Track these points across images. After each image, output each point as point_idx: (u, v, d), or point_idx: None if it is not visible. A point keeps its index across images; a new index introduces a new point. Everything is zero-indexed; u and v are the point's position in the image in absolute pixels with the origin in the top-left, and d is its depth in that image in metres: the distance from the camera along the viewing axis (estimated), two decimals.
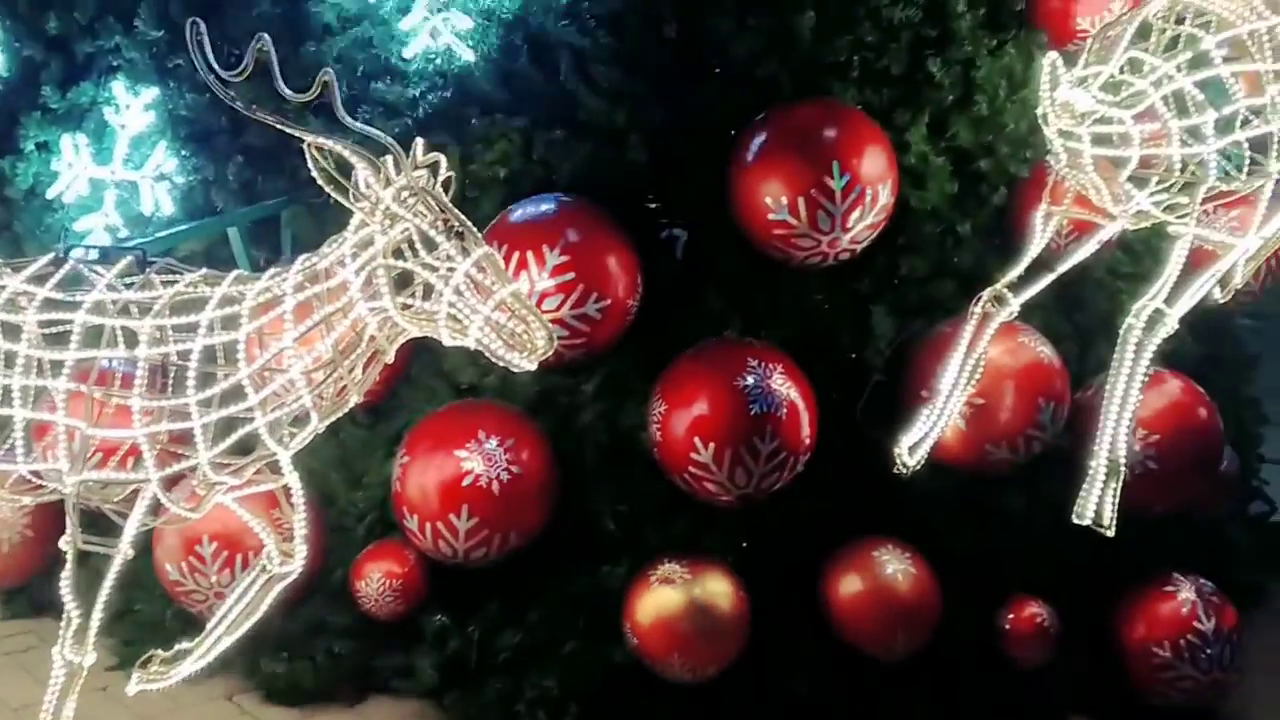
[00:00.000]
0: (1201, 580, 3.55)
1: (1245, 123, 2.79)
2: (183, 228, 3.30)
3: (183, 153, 3.54)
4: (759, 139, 3.11)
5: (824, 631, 3.29)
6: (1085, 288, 3.65)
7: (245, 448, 2.48)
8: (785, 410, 3.02)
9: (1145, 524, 3.70)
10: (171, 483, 2.48)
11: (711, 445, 3.00)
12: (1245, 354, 4.84)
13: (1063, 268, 3.12)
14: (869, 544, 3.27)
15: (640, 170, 3.30)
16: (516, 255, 2.97)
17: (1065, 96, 2.74)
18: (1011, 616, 3.43)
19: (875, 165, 3.09)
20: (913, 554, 3.28)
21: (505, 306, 2.36)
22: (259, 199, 3.55)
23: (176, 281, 2.54)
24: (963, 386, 3.13)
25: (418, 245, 2.36)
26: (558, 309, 2.97)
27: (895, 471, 3.19)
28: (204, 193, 3.56)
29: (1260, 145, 2.85)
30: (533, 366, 2.42)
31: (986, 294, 3.09)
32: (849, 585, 3.24)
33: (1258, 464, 5.12)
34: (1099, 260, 3.58)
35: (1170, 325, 2.88)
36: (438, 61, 3.33)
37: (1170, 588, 3.52)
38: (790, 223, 3.05)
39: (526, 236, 3.00)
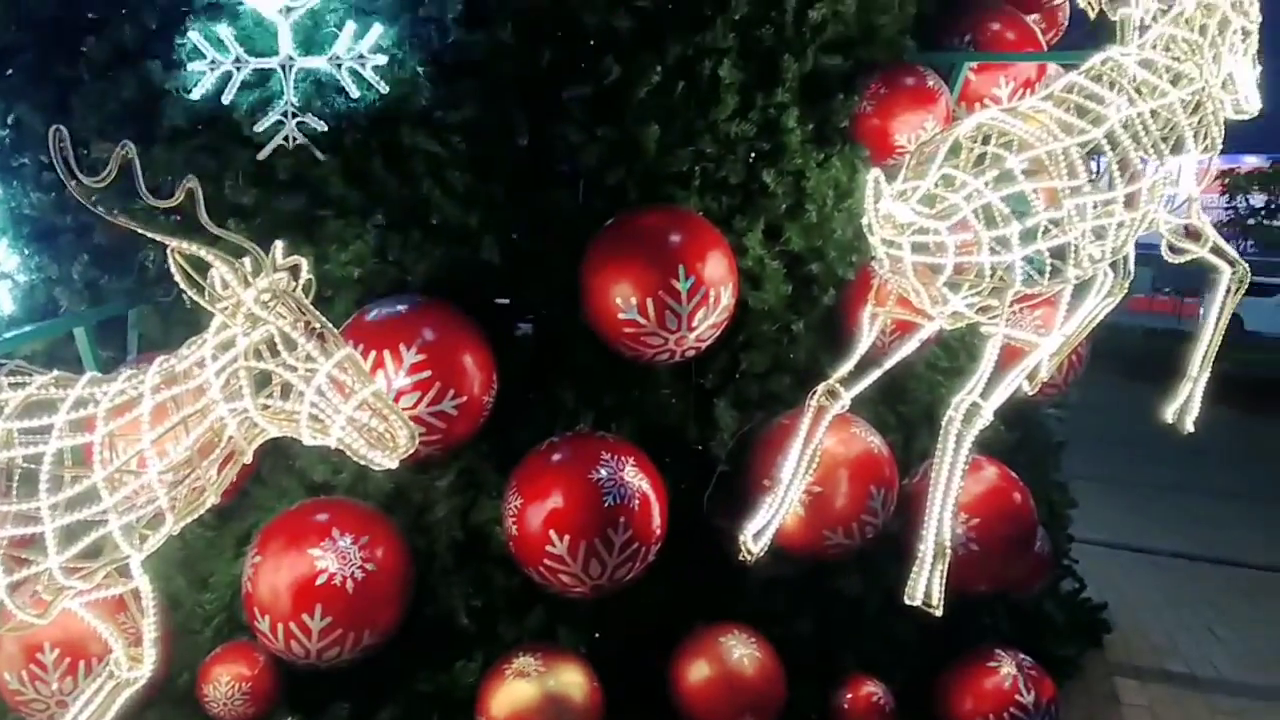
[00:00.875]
0: (1021, 655, 3.80)
1: (1046, 232, 3.08)
2: (28, 328, 3.22)
3: (25, 251, 3.47)
4: (609, 242, 3.25)
5: (675, 718, 3.38)
6: (909, 381, 3.91)
7: (95, 551, 2.44)
8: (637, 502, 3.13)
9: (969, 602, 3.96)
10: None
11: (566, 537, 3.08)
12: (1053, 442, 5.22)
13: (889, 363, 3.35)
14: (716, 630, 3.39)
15: (493, 270, 3.40)
16: (373, 354, 3.02)
17: (887, 209, 2.98)
18: (849, 695, 3.60)
19: (717, 268, 3.26)
20: (757, 639, 3.42)
21: (367, 406, 2.42)
22: (105, 298, 3.50)
23: (27, 383, 2.51)
24: (801, 476, 3.32)
25: (279, 346, 2.40)
26: (415, 406, 3.03)
27: (740, 559, 3.35)
28: (46, 291, 3.49)
29: (1060, 253, 3.15)
30: (394, 464, 2.48)
31: (821, 389, 3.30)
32: (697, 671, 3.35)
33: (1067, 544, 5.50)
34: (921, 357, 3.86)
35: (986, 417, 3.11)
36: (291, 164, 3.36)
37: (993, 663, 3.76)
38: (640, 322, 3.19)
39: (383, 336, 3.06)
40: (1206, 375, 3.90)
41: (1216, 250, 3.78)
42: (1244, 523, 9.07)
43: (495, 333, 3.36)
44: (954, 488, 3.13)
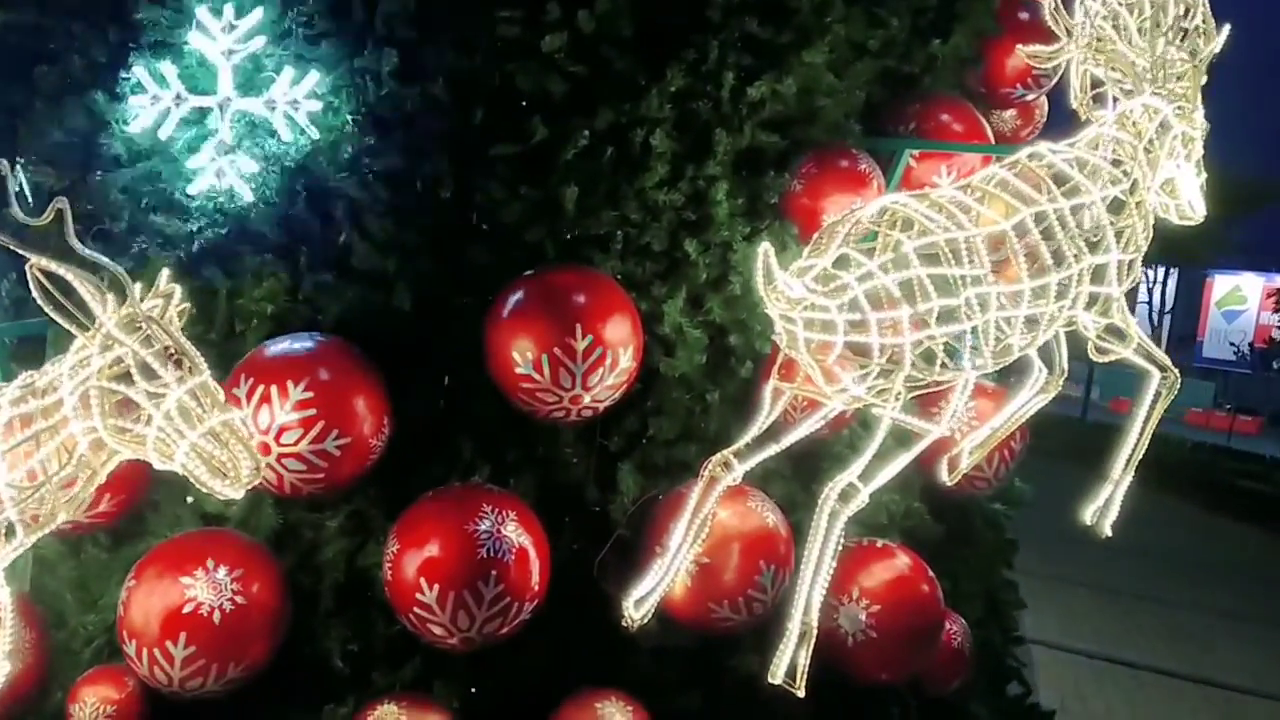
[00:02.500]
0: None
1: (942, 320, 3.07)
2: None
3: None
4: (514, 297, 3.29)
5: None
6: (824, 461, 3.88)
7: None
8: (513, 557, 3.13)
9: (876, 693, 3.89)
10: None
11: (436, 587, 3.08)
12: (1004, 539, 5.14)
13: (788, 440, 3.33)
14: (594, 695, 3.35)
15: (405, 317, 3.45)
16: (261, 388, 3.06)
17: (781, 284, 2.99)
18: None
19: (619, 330, 3.28)
20: (635, 707, 3.37)
21: (214, 434, 2.46)
22: (31, 316, 3.59)
23: None
24: (689, 545, 3.30)
25: (132, 370, 2.45)
26: (296, 444, 3.06)
27: (623, 626, 3.32)
28: None
29: (956, 342, 3.14)
30: (237, 495, 2.51)
31: (715, 459, 3.28)
32: None
33: (1013, 645, 5.39)
34: (839, 436, 3.85)
35: (862, 499, 3.09)
36: (220, 200, 3.45)
37: None
38: (534, 378, 3.21)
39: (276, 371, 3.10)
40: (1128, 479, 3.83)
41: (1144, 353, 3.74)
42: (1235, 643, 8.86)
43: (400, 380, 3.39)
44: (824, 568, 3.09)
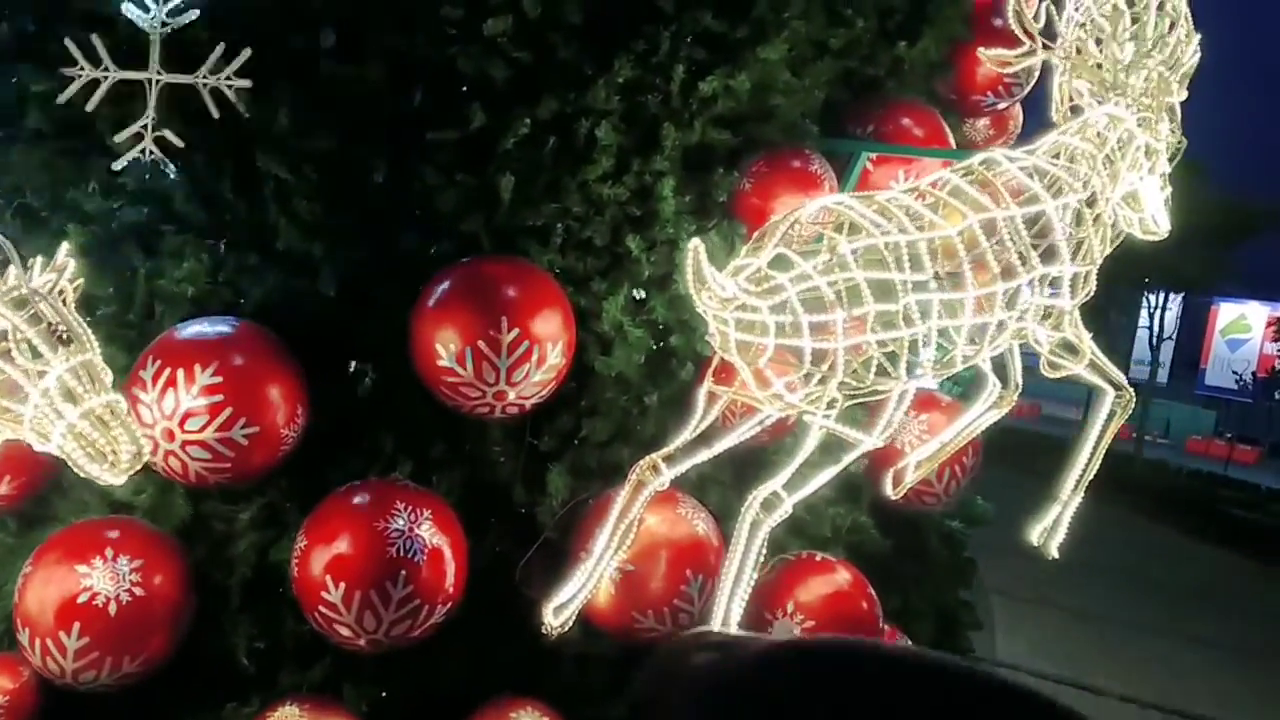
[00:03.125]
0: None
1: (878, 325, 2.95)
2: None
3: None
4: (440, 287, 3.17)
5: None
6: (764, 470, 3.75)
7: None
8: (426, 557, 3.00)
9: None
10: None
11: (342, 585, 2.96)
12: (961, 557, 5.02)
13: (720, 446, 3.21)
14: (510, 704, 3.23)
15: (330, 304, 3.33)
16: (168, 372, 2.94)
17: (711, 282, 2.87)
18: None
19: (548, 325, 3.16)
20: (553, 717, 3.25)
21: (94, 416, 2.34)
22: None
23: None
24: (613, 552, 3.18)
25: (14, 350, 2.34)
26: (201, 430, 2.93)
27: (542, 632, 3.20)
28: None
29: (893, 349, 3.02)
30: (118, 481, 2.40)
31: (643, 463, 3.16)
32: None
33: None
34: (779, 442, 3.73)
35: (785, 509, 2.96)
36: (144, 177, 3.34)
37: None
38: (457, 371, 3.09)
39: (183, 354, 2.98)
40: (1077, 500, 3.71)
41: (1098, 370, 3.62)
42: (1207, 670, 8.73)
43: (321, 368, 3.27)
44: (745, 579, 2.97)
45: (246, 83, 3.35)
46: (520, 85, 3.48)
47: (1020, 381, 3.75)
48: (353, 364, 3.36)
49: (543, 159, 3.45)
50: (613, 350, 3.50)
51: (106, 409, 2.37)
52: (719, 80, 3.66)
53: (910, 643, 4.08)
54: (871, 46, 4.21)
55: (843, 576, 3.69)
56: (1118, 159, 3.54)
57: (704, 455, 3.21)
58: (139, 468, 2.42)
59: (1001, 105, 4.66)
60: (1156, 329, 37.78)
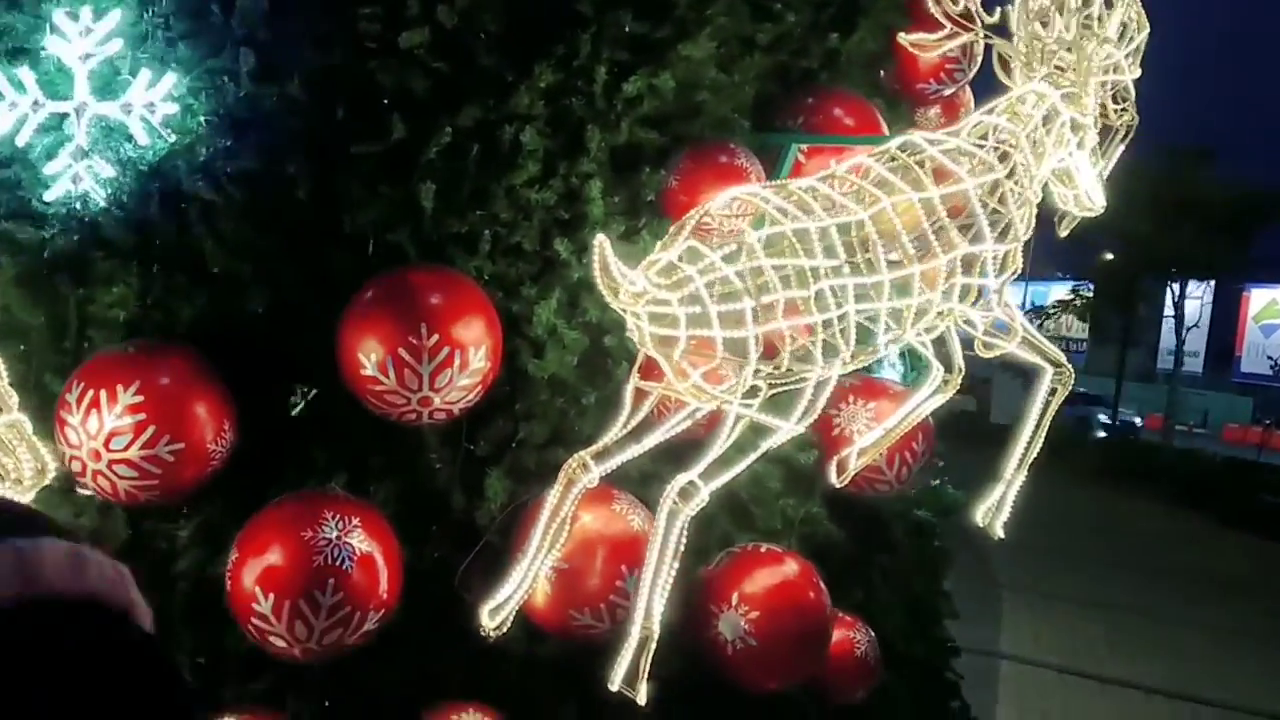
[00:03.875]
0: None
1: (789, 313, 2.96)
2: None
3: None
4: (362, 299, 3.20)
5: None
6: None
7: None
8: (353, 564, 3.03)
9: (767, 702, 3.76)
10: None
11: (272, 596, 2.99)
12: (932, 547, 5.01)
13: (650, 441, 3.22)
14: (452, 708, 3.25)
15: (259, 321, 3.37)
16: (91, 393, 2.99)
17: (618, 277, 2.89)
18: None
19: (470, 330, 3.19)
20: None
21: None
22: None
23: None
24: (546, 551, 3.19)
25: None
26: (126, 449, 2.98)
27: (481, 635, 3.22)
28: None
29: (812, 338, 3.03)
30: (24, 498, 2.43)
31: (572, 460, 3.18)
32: None
33: (949, 656, 5.24)
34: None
35: (702, 498, 2.97)
36: (75, 205, 3.40)
37: None
38: (380, 379, 3.12)
39: (105, 375, 3.02)
40: (1021, 479, 3.70)
41: (1034, 347, 3.62)
42: (1233, 660, 8.63)
43: (253, 385, 3.31)
44: (665, 570, 2.98)
45: (173, 108, 3.41)
46: (441, 95, 3.51)
47: (963, 365, 3.75)
48: (285, 380, 3.39)
49: (466, 167, 3.49)
50: (545, 353, 3.52)
51: (8, 429, 2.42)
52: (642, 80, 3.69)
53: (872, 634, 4.06)
54: (803, 40, 4.24)
55: (790, 567, 3.69)
56: (1043, 136, 3.54)
57: (634, 451, 3.23)
58: (39, 485, 2.46)
59: (947, 91, 4.66)
60: (1178, 318, 37.48)
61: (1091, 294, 40.31)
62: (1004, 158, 3.42)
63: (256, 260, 3.38)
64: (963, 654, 7.54)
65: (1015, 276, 3.48)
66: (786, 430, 3.06)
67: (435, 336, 3.12)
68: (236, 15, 3.48)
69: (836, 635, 3.96)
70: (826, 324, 3.04)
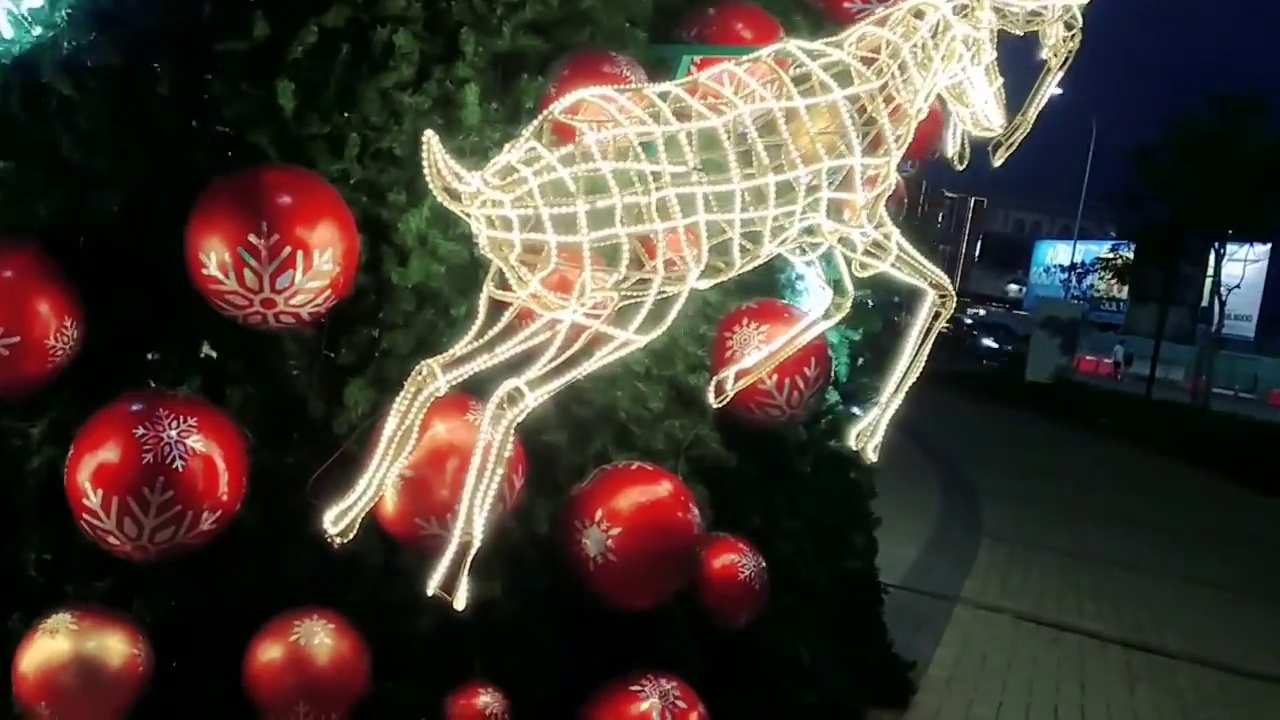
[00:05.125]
0: (671, 683, 3.54)
1: (628, 219, 2.87)
2: None
3: None
4: (207, 199, 3.15)
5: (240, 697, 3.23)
6: (585, 380, 3.70)
7: None
8: (183, 463, 3.00)
9: (648, 623, 3.73)
10: None
11: (100, 491, 2.97)
12: (846, 477, 4.94)
13: (504, 351, 3.14)
14: (294, 615, 3.23)
15: (113, 219, 3.34)
16: None
17: (450, 177, 2.82)
18: (460, 702, 3.39)
19: (317, 232, 3.13)
20: (339, 625, 3.24)
21: None
22: None
23: None
24: (391, 458, 3.15)
25: None
26: None
27: (329, 541, 3.19)
28: None
29: (646, 243, 2.95)
30: None
31: (421, 367, 3.12)
32: (266, 653, 3.19)
33: (868, 589, 5.21)
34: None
35: (528, 404, 2.91)
36: None
37: (637, 688, 3.51)
38: (220, 279, 3.08)
39: None
40: (898, 402, 3.61)
41: (914, 269, 3.51)
42: (1207, 613, 8.50)
43: (108, 283, 3.29)
44: (488, 475, 2.93)
45: (37, 1, 3.36)
46: None
47: (851, 289, 3.66)
48: (142, 280, 3.35)
49: (334, 68, 3.41)
50: (410, 262, 3.46)
51: None
52: None
53: (761, 560, 3.99)
54: None
55: (664, 487, 3.63)
56: (930, 49, 3.41)
57: (487, 360, 3.16)
58: None
59: (876, 10, 4.52)
60: (1216, 278, 36.74)
61: (1134, 254, 39.61)
62: (881, 69, 3.30)
63: (114, 156, 3.33)
64: (916, 596, 7.52)
65: (889, 191, 3.37)
66: (622, 338, 2.98)
67: (276, 236, 3.07)
68: None
69: (720, 559, 3.92)
70: (668, 231, 2.95)
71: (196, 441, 3.06)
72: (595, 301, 3.01)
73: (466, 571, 2.97)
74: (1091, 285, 46.55)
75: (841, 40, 3.39)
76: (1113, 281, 47.69)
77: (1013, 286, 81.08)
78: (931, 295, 3.56)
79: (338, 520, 3.16)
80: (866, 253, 3.44)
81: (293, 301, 3.15)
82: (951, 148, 4.93)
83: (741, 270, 3.23)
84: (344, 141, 3.45)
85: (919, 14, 3.44)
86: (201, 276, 3.12)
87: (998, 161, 5.09)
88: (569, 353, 2.97)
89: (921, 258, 3.53)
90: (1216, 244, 36.53)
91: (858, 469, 5.10)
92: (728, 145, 3.02)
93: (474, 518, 2.93)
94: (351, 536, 3.19)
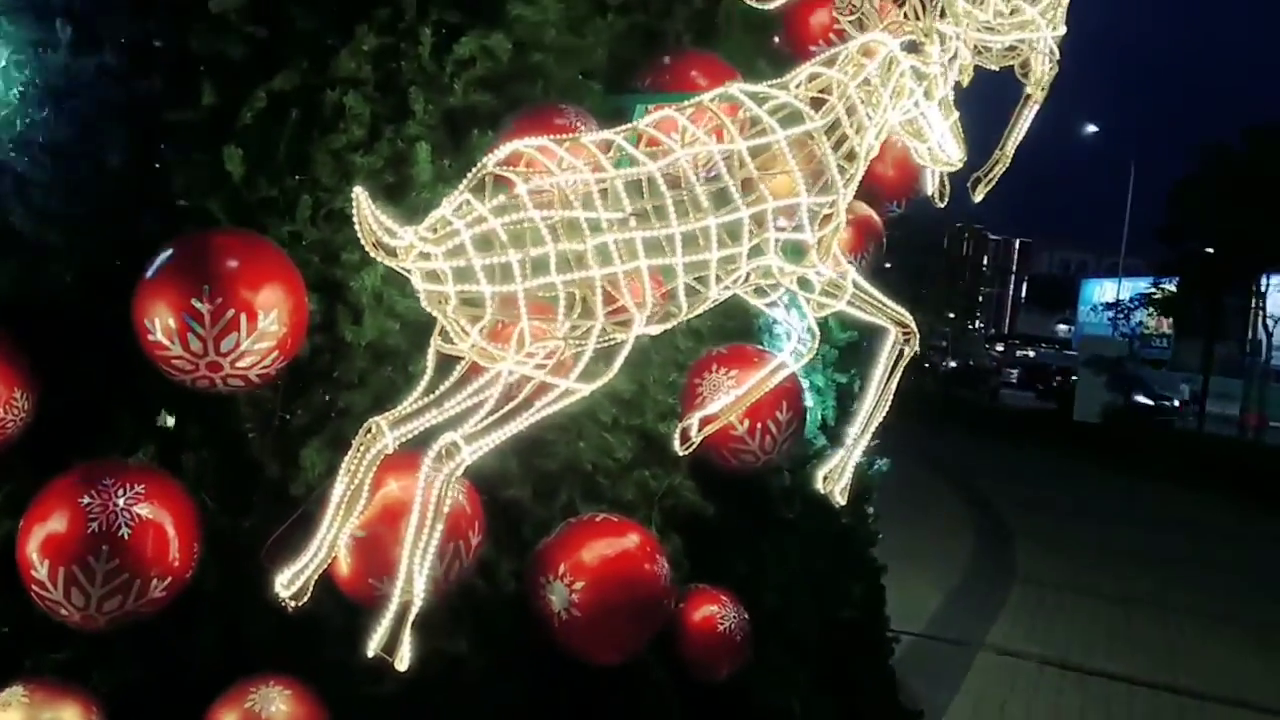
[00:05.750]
0: None
1: (563, 266, 2.85)
2: None
3: None
4: (151, 264, 3.16)
5: None
6: (549, 433, 3.66)
7: None
8: (129, 531, 2.98)
9: (617, 675, 3.65)
10: None
11: (47, 562, 2.97)
12: (840, 526, 4.85)
13: (453, 405, 3.10)
14: (250, 683, 3.18)
15: (66, 289, 3.36)
16: None
17: (381, 232, 2.81)
18: None
19: (260, 293, 3.12)
20: (296, 691, 3.19)
21: None
22: None
23: None
24: (343, 518, 3.11)
25: None
26: None
27: (282, 604, 3.16)
28: None
29: (587, 290, 2.91)
30: None
31: (369, 425, 3.09)
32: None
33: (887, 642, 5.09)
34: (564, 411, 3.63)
35: (464, 458, 2.86)
36: None
37: None
38: (164, 344, 3.08)
39: None
40: (864, 443, 3.54)
41: (871, 306, 3.45)
42: (1243, 657, 8.23)
43: (62, 354, 3.31)
44: (425, 533, 2.88)
45: None
46: (259, 60, 3.47)
47: (817, 330, 3.60)
48: (94, 349, 3.36)
49: (282, 131, 3.44)
50: (364, 320, 3.45)
51: None
52: (474, 42, 3.61)
53: (743, 611, 3.90)
54: (667, 2, 4.12)
55: (630, 539, 3.57)
56: (878, 86, 3.38)
57: (435, 416, 3.13)
58: None
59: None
60: (1261, 309, 36.22)
61: (1176, 288, 39.18)
62: (828, 109, 3.27)
63: (67, 230, 3.36)
64: (937, 643, 7.35)
65: (841, 230, 3.33)
66: (565, 389, 2.94)
67: (219, 299, 3.07)
68: None
69: (699, 611, 3.83)
70: (610, 277, 2.92)
71: (144, 509, 3.05)
72: (546, 351, 2.99)
73: (408, 632, 2.91)
74: (1140, 322, 46.00)
75: (788, 81, 3.36)
76: (1160, 317, 47.13)
77: (1062, 327, 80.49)
78: (894, 333, 3.49)
79: (290, 583, 3.12)
80: (824, 292, 3.39)
81: (239, 364, 3.14)
82: (931, 185, 4.89)
83: (690, 315, 3.18)
84: (296, 204, 3.46)
85: (868, 52, 3.42)
86: (148, 343, 3.13)
87: (978, 197, 5.04)
88: (509, 405, 2.93)
89: (881, 295, 3.48)
90: (1262, 275, 36.03)
91: (853, 515, 5.02)
92: (665, 190, 2.99)
93: (413, 577, 2.88)
94: (305, 599, 3.15)
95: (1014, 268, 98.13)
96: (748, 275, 3.21)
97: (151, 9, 3.46)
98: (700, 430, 3.69)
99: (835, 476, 3.56)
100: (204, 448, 3.41)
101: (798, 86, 3.36)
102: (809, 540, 4.57)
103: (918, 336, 3.50)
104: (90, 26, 3.46)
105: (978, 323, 71.82)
